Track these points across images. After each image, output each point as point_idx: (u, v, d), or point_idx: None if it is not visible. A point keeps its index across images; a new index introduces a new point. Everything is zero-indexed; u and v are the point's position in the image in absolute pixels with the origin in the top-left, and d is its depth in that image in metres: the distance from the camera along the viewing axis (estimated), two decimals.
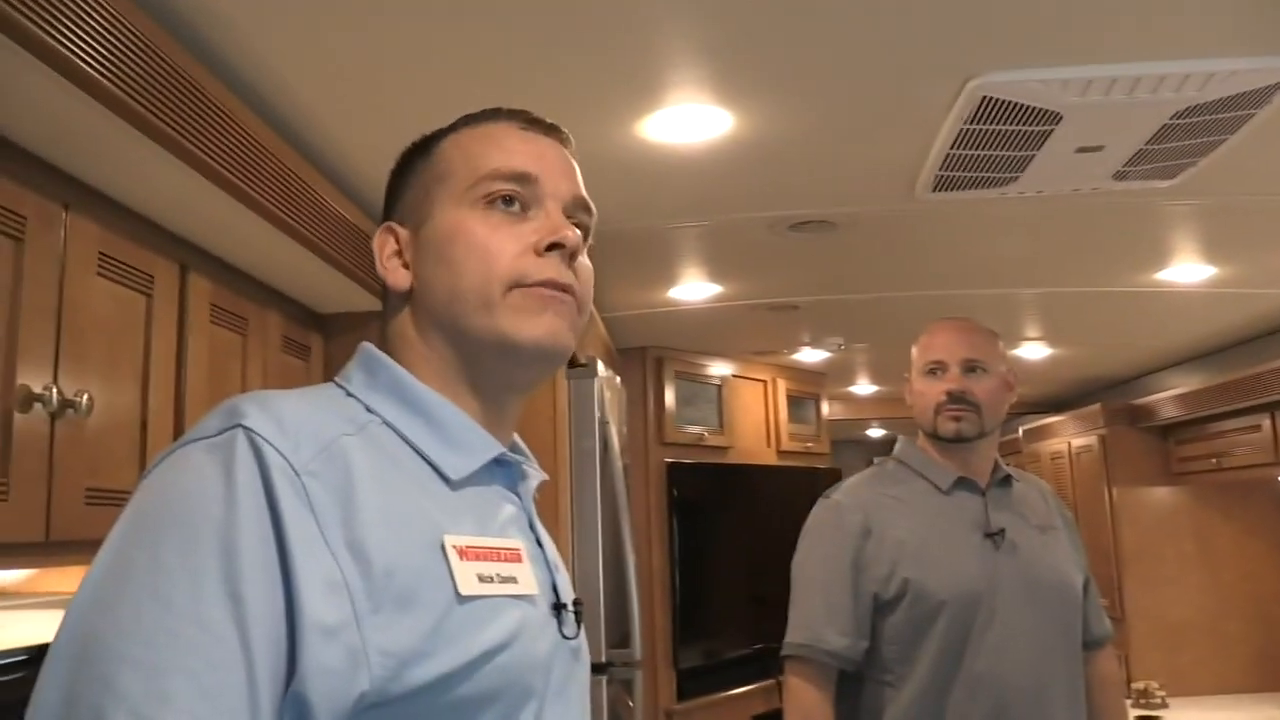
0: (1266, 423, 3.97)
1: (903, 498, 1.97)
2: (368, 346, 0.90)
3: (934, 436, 1.99)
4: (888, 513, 1.94)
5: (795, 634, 1.91)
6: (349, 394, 0.85)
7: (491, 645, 0.75)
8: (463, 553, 0.76)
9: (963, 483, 1.96)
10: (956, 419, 1.94)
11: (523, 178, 0.89)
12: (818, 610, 1.89)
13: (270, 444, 0.70)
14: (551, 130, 0.95)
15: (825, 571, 1.92)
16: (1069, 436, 5.48)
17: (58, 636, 0.67)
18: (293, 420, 0.74)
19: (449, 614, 0.73)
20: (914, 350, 2.07)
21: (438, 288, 0.88)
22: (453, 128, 0.95)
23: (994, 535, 1.88)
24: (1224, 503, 4.77)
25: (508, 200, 0.88)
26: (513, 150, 0.90)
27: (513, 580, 0.80)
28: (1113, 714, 2.04)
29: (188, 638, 0.63)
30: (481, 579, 0.76)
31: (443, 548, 0.75)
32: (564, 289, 0.87)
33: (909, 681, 1.82)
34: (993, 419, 1.97)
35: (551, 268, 0.86)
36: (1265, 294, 3.59)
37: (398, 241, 0.92)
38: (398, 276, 0.91)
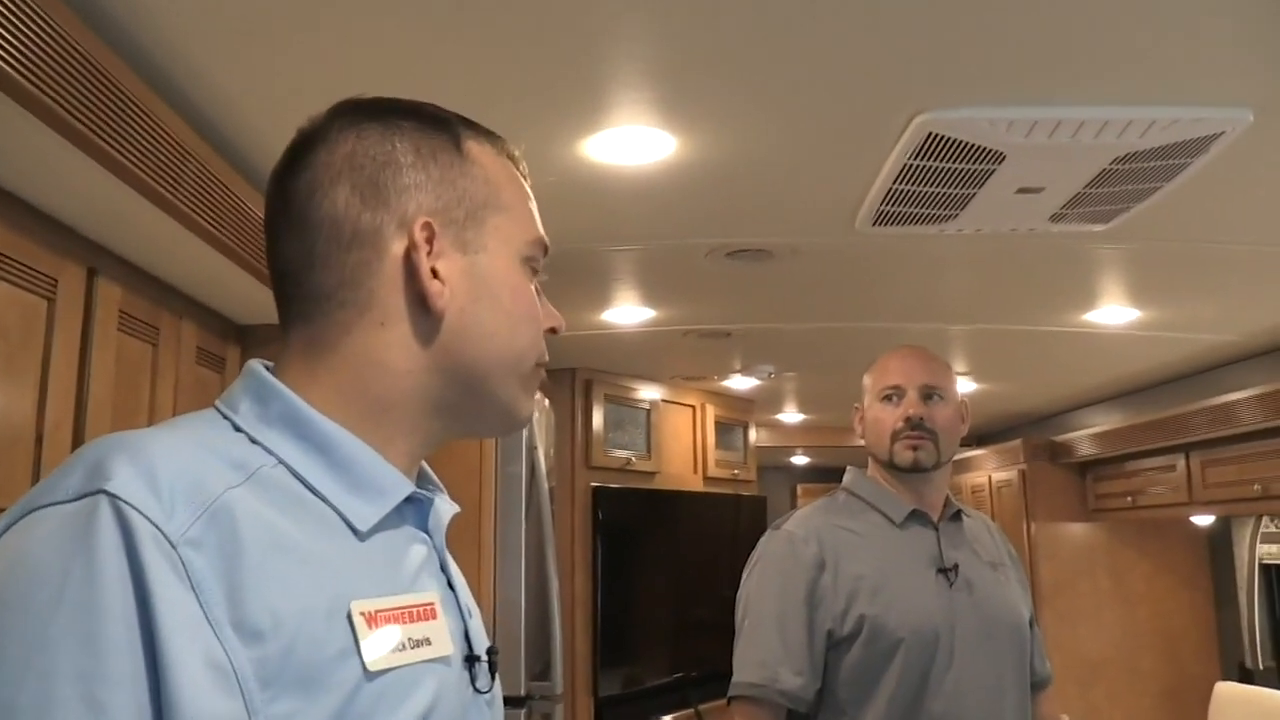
0: (1181, 463, 4.06)
1: (856, 530, 1.89)
2: (255, 368, 0.78)
3: (889, 465, 1.92)
4: (843, 546, 1.85)
5: (747, 673, 1.80)
6: (236, 427, 0.73)
7: None
8: (371, 619, 0.68)
9: (916, 516, 1.89)
10: (914, 447, 1.87)
11: (545, 254, 0.88)
12: (772, 648, 1.79)
13: (140, 511, 0.60)
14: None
15: (779, 606, 1.81)
16: (990, 470, 5.55)
17: None
18: (168, 475, 0.63)
19: (357, 693, 0.65)
20: (867, 378, 2.00)
21: (486, 334, 0.80)
22: (472, 130, 0.85)
23: (947, 571, 1.83)
24: (1139, 540, 4.87)
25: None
26: (537, 218, 0.87)
27: (427, 642, 0.72)
28: None
29: None
30: (393, 648, 0.69)
31: (349, 616, 0.67)
32: None
33: None
34: (949, 449, 1.92)
35: (546, 351, 0.87)
36: (1186, 338, 3.68)
37: (430, 244, 0.77)
38: (443, 299, 0.78)
